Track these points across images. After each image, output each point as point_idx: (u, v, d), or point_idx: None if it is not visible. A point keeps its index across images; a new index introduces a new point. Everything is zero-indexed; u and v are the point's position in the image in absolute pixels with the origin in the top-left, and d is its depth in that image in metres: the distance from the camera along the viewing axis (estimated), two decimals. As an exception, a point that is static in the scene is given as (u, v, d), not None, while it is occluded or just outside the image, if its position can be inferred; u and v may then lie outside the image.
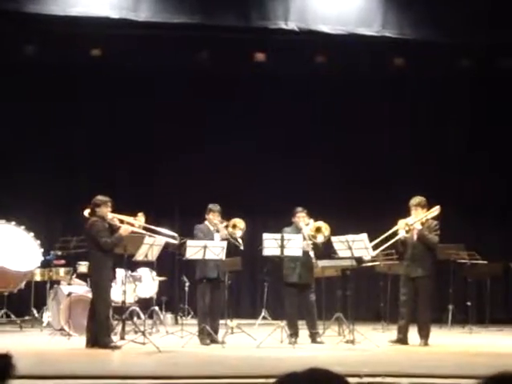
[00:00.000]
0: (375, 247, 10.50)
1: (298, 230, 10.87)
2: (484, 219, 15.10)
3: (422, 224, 10.58)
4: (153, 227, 10.61)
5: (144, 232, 10.51)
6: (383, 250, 11.17)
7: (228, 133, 14.97)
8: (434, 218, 10.68)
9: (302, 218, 10.97)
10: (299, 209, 11.04)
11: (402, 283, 10.81)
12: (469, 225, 14.86)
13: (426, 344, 10.45)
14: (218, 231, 10.88)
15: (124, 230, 9.99)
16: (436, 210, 10.66)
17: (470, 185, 15.17)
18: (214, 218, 10.92)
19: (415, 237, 10.58)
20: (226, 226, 10.93)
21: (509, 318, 14.33)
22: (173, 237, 10.84)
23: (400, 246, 10.79)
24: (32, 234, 12.55)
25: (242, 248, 11.05)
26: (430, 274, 10.56)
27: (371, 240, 10.39)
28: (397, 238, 10.55)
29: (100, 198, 10.09)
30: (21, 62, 13.86)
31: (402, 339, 10.59)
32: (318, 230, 10.81)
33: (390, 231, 10.53)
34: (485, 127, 15.23)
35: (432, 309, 10.99)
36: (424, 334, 10.53)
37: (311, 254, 10.77)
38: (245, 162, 15.03)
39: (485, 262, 13.13)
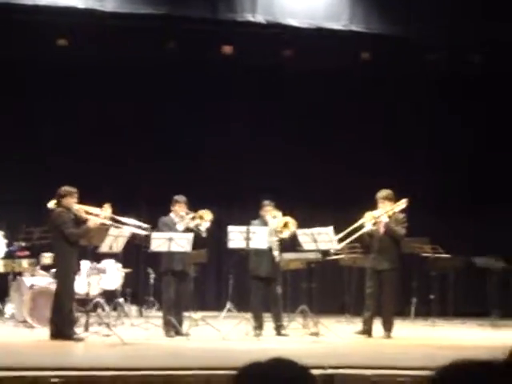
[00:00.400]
0: (342, 240, 10.56)
1: (265, 223, 10.88)
2: (448, 213, 15.21)
3: (390, 217, 10.65)
4: (120, 218, 10.54)
5: (112, 223, 10.44)
6: (349, 243, 11.24)
7: (195, 123, 14.93)
8: (401, 211, 10.75)
9: (269, 211, 10.98)
10: (266, 202, 11.04)
11: (369, 276, 10.89)
12: (433, 219, 14.96)
13: (389, 336, 10.55)
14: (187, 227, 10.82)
15: (92, 222, 9.92)
16: (403, 203, 10.73)
17: (435, 179, 15.30)
18: (180, 210, 10.87)
19: (382, 230, 10.64)
20: (193, 218, 10.90)
21: (471, 311, 14.48)
22: (142, 227, 10.78)
23: (367, 238, 10.84)
24: (-5, 224, 12.43)
25: (204, 235, 10.95)
26: (395, 266, 10.65)
27: (338, 233, 10.45)
28: (363, 230, 10.60)
29: (66, 188, 10.01)
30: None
31: (367, 331, 10.67)
32: (286, 225, 10.83)
33: (357, 224, 10.60)
34: (450, 121, 15.37)
35: (396, 302, 11.08)
36: (387, 327, 10.62)
37: (275, 252, 10.77)
38: (213, 153, 15.01)
39: (448, 255, 13.25)
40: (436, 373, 2.00)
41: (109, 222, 10.36)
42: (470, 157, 15.45)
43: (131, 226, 10.78)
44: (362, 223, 10.58)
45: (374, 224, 10.56)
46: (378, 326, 10.74)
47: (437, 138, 15.39)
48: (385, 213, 10.61)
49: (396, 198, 10.74)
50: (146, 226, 10.77)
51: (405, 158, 15.39)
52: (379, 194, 10.73)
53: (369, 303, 10.80)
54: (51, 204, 10.24)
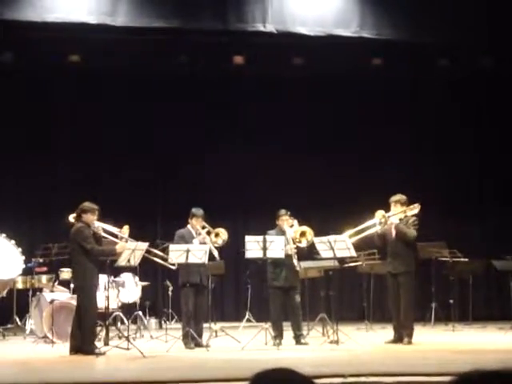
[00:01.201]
0: (350, 237, 10.51)
1: (282, 233, 10.87)
2: (465, 217, 15.17)
3: (401, 219, 10.64)
4: (135, 242, 10.55)
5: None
6: (365, 250, 11.24)
7: (209, 135, 15.00)
8: (413, 215, 10.73)
9: (285, 220, 10.98)
10: (283, 211, 11.04)
11: (388, 282, 10.85)
12: (450, 223, 14.92)
13: (409, 342, 10.49)
14: (203, 242, 10.84)
15: (121, 247, 10.01)
16: (416, 208, 10.71)
17: (451, 182, 15.27)
18: (196, 223, 10.90)
19: (394, 232, 10.63)
20: (209, 233, 10.92)
21: (491, 315, 14.41)
22: (171, 263, 10.84)
23: (376, 239, 10.83)
24: (13, 241, 12.49)
25: (216, 256, 11.06)
26: (411, 270, 10.60)
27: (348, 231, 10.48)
28: (372, 230, 10.58)
29: (88, 204, 10.06)
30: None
31: (399, 338, 10.61)
32: (303, 234, 10.81)
33: (367, 223, 10.57)
34: (463, 126, 15.35)
35: (415, 307, 11.03)
36: (407, 333, 10.56)
37: (295, 261, 10.77)
38: (227, 163, 15.05)
39: (466, 259, 13.19)
40: (455, 380, 2.00)
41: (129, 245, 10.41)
42: (483, 158, 15.40)
43: (150, 254, 10.84)
44: (373, 222, 10.56)
45: (384, 223, 10.51)
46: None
47: (448, 140, 15.34)
48: (396, 213, 10.59)
49: (409, 203, 10.74)
50: (166, 257, 10.81)
51: (418, 161, 15.35)
52: (392, 198, 10.75)
53: (392, 310, 10.76)
54: (71, 218, 10.30)
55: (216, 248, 10.95)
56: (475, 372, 1.95)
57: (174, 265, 10.77)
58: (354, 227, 10.65)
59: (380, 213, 10.56)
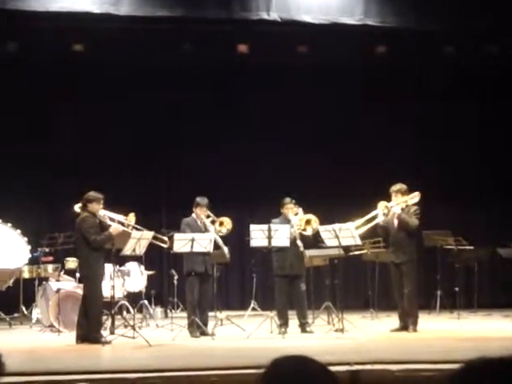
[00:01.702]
0: (358, 228, 10.55)
1: (287, 221, 10.88)
2: (470, 205, 15.17)
3: (402, 209, 10.68)
4: (142, 229, 10.59)
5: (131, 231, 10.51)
6: (370, 238, 11.27)
7: (212, 124, 15.00)
8: (414, 204, 10.77)
9: (290, 208, 10.98)
10: (287, 200, 11.04)
11: (392, 271, 10.90)
12: (455, 211, 14.93)
13: (414, 330, 10.51)
14: (206, 229, 10.86)
15: (114, 229, 10.00)
16: (416, 196, 10.75)
17: (456, 170, 15.25)
18: (201, 213, 10.92)
19: (396, 222, 10.66)
20: (213, 222, 10.94)
21: (496, 303, 14.42)
22: (163, 241, 10.87)
23: (379, 230, 10.88)
24: (19, 231, 12.52)
25: (227, 256, 11.16)
26: (413, 258, 10.66)
27: (352, 220, 10.50)
28: (376, 221, 10.61)
29: (93, 194, 10.08)
30: (3, 58, 13.80)
31: (404, 327, 10.65)
32: (308, 222, 10.83)
33: (371, 214, 10.60)
34: (468, 112, 15.32)
35: (420, 295, 11.05)
36: (412, 321, 10.59)
37: (299, 242, 10.77)
38: (231, 153, 15.06)
39: (471, 247, 13.19)
40: (457, 371, 2.00)
41: (131, 231, 10.42)
42: (489, 147, 15.37)
43: (154, 239, 10.86)
44: (376, 213, 10.60)
45: (386, 214, 10.55)
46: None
47: (454, 128, 15.31)
48: (397, 203, 10.63)
49: (410, 192, 10.76)
50: (166, 239, 10.86)
51: (422, 149, 15.32)
52: (393, 188, 10.77)
53: (397, 298, 10.80)
54: (77, 207, 10.33)
55: (220, 237, 10.98)
56: (481, 359, 1.96)
57: (165, 243, 10.80)
58: (357, 217, 10.67)
59: (383, 204, 10.58)
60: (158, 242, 10.95)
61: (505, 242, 13.08)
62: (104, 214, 10.16)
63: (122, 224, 10.18)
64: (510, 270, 13.80)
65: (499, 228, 14.80)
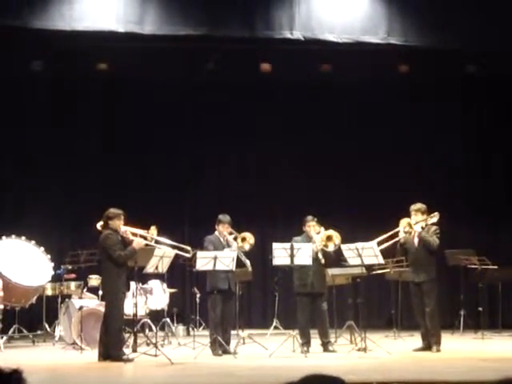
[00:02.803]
0: (379, 245, 10.53)
1: (309, 239, 10.87)
2: (494, 224, 15.07)
3: (422, 229, 10.67)
4: (166, 240, 10.63)
5: (156, 245, 10.55)
6: (391, 257, 11.25)
7: (236, 143, 15.04)
8: (433, 224, 10.75)
9: (312, 226, 10.97)
10: (309, 217, 11.04)
11: (412, 291, 10.88)
12: (479, 230, 14.82)
13: (438, 350, 10.45)
14: (228, 245, 10.89)
15: (137, 243, 10.01)
16: (435, 216, 10.74)
17: (480, 189, 15.16)
18: (223, 230, 10.94)
19: (416, 241, 10.65)
20: (235, 238, 10.95)
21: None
22: (186, 250, 10.85)
23: (398, 249, 10.88)
24: (42, 248, 12.59)
25: (249, 270, 11.13)
26: (433, 278, 10.65)
27: (374, 239, 10.48)
28: (397, 238, 10.60)
29: (113, 210, 10.13)
30: (28, 77, 13.96)
31: (428, 346, 10.60)
32: (329, 238, 10.81)
33: (393, 231, 10.58)
34: (491, 131, 15.25)
35: (443, 314, 11.00)
36: (435, 340, 10.53)
37: (320, 256, 10.74)
38: (254, 171, 15.09)
39: (495, 267, 13.10)
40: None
41: (154, 244, 10.45)
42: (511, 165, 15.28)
43: (175, 249, 10.86)
44: (397, 231, 10.59)
45: (409, 232, 10.54)
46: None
47: (478, 146, 15.24)
48: (419, 222, 10.61)
49: (430, 211, 10.76)
50: (188, 248, 10.84)
51: (445, 168, 15.26)
52: (413, 207, 10.78)
53: (418, 319, 10.75)
54: (98, 226, 10.37)
55: (244, 253, 10.97)
56: (507, 380, 1.94)
57: (188, 252, 10.79)
58: (379, 235, 10.66)
59: (405, 221, 10.57)
60: (181, 253, 10.92)
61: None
62: (126, 229, 10.19)
63: (145, 238, 10.20)
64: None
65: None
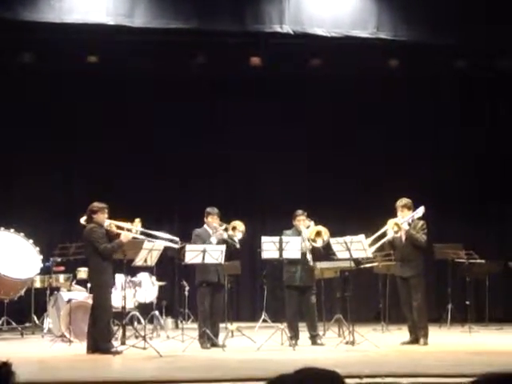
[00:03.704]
0: (370, 246, 10.60)
1: (299, 233, 10.90)
2: (482, 218, 15.14)
3: (409, 224, 10.71)
4: (151, 232, 10.64)
5: (143, 237, 10.54)
6: (380, 250, 11.30)
7: (226, 135, 15.03)
8: (419, 219, 10.79)
9: (302, 220, 11.00)
10: (299, 212, 11.07)
11: (399, 285, 10.95)
12: (466, 224, 14.89)
13: (425, 343, 10.52)
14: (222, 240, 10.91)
15: (124, 236, 10.02)
16: (421, 211, 10.77)
17: (468, 184, 15.22)
18: (212, 221, 10.97)
19: (404, 237, 10.69)
20: (226, 229, 10.98)
21: (508, 317, 14.37)
22: (173, 241, 10.86)
23: (387, 246, 10.94)
24: (31, 240, 12.58)
25: (238, 246, 11.06)
26: (420, 272, 10.72)
27: (363, 233, 10.54)
28: (386, 238, 10.64)
29: (97, 204, 10.13)
30: (17, 69, 13.91)
31: (415, 339, 10.67)
32: (318, 234, 10.84)
33: (380, 231, 10.63)
34: (480, 127, 15.31)
35: (431, 308, 11.05)
36: (422, 334, 10.60)
37: (308, 256, 10.80)
38: (243, 164, 15.09)
39: (483, 260, 13.17)
40: (474, 381, 2.01)
41: (140, 237, 10.46)
42: (501, 160, 15.33)
43: (162, 240, 10.86)
44: (385, 230, 10.63)
45: (397, 232, 10.60)
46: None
47: (466, 141, 15.28)
48: (405, 220, 10.67)
49: (415, 206, 10.80)
50: (176, 239, 10.86)
51: (434, 163, 15.31)
52: (399, 203, 10.82)
53: (406, 312, 10.81)
54: (82, 220, 10.37)
55: (234, 238, 10.94)
56: (493, 374, 1.97)
57: (176, 243, 10.80)
58: (368, 230, 10.71)
59: (392, 222, 10.62)
60: (170, 244, 10.93)
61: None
62: (110, 223, 10.19)
63: (130, 231, 10.20)
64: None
65: (511, 242, 14.76)
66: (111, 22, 12.00)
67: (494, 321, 13.81)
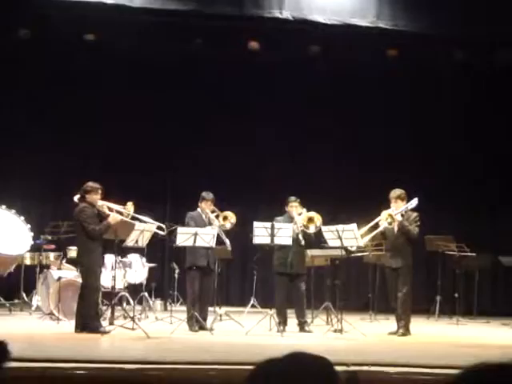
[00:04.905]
0: (363, 236, 10.61)
1: (291, 219, 10.90)
2: (474, 211, 15.16)
3: (402, 215, 10.71)
4: (141, 217, 10.62)
5: (132, 221, 10.52)
6: (372, 241, 11.31)
7: (220, 120, 14.99)
8: (413, 210, 10.78)
9: (294, 207, 10.99)
10: (292, 198, 11.06)
11: (387, 275, 10.97)
12: (458, 217, 14.92)
13: (403, 334, 10.53)
14: (210, 223, 10.90)
15: (113, 218, 10.02)
16: (414, 202, 10.76)
17: (461, 177, 15.22)
18: (206, 207, 10.95)
19: (396, 228, 10.68)
20: (217, 216, 10.97)
21: (496, 311, 14.42)
22: (160, 228, 10.87)
23: (379, 236, 10.94)
24: (23, 217, 12.55)
25: (229, 249, 11.17)
26: (410, 263, 10.71)
27: (355, 222, 10.55)
28: (379, 229, 10.64)
29: (91, 184, 10.11)
30: (15, 46, 13.83)
31: None
32: (311, 220, 10.83)
33: (373, 222, 10.63)
34: (479, 120, 15.28)
35: (419, 299, 11.07)
36: (402, 324, 10.61)
37: (300, 237, 10.78)
38: (238, 149, 15.05)
39: (473, 254, 13.19)
40: (459, 375, 2.00)
41: (130, 221, 10.44)
42: (496, 153, 15.33)
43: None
44: (378, 221, 10.63)
45: (390, 223, 10.59)
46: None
47: (463, 134, 15.26)
48: (399, 212, 10.65)
49: (409, 197, 10.79)
50: (163, 226, 10.88)
51: (429, 156, 15.30)
52: (392, 194, 10.79)
53: (394, 303, 10.83)
54: (75, 199, 10.35)
55: (224, 232, 11.00)
56: (482, 365, 1.96)
57: (163, 230, 10.82)
58: (361, 218, 10.71)
59: (386, 213, 10.61)
60: (156, 230, 10.94)
61: (507, 250, 13.09)
62: (103, 203, 10.17)
63: (121, 213, 10.19)
64: (511, 279, 13.80)
65: (502, 236, 14.79)
66: (110, 1, 11.94)
67: (482, 314, 13.86)
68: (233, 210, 11.26)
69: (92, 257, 9.96)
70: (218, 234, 10.66)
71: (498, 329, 12.41)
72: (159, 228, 10.88)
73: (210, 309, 11.36)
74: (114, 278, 10.44)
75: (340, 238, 10.37)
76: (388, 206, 10.78)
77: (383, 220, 10.59)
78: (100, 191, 10.11)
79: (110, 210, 10.19)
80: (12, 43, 13.71)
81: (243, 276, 15.16)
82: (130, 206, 10.27)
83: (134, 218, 10.49)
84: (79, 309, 9.98)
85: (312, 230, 10.81)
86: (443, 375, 6.72)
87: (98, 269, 10.09)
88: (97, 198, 10.09)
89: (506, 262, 13.25)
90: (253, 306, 13.28)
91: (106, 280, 10.95)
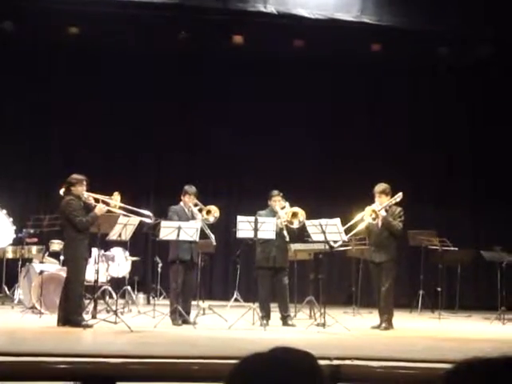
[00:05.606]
0: (347, 232, 10.61)
1: (274, 214, 10.89)
2: (457, 206, 15.23)
3: (386, 211, 10.71)
4: (128, 206, 10.59)
5: (119, 211, 10.49)
6: (355, 235, 11.32)
7: (203, 114, 14.99)
8: (397, 205, 10.79)
9: (277, 201, 10.99)
10: (275, 192, 11.06)
11: (371, 270, 10.98)
12: (441, 211, 14.99)
13: (386, 328, 10.55)
14: (193, 217, 10.89)
15: (99, 209, 9.97)
16: (399, 197, 10.77)
17: (445, 172, 15.29)
18: (189, 201, 10.93)
19: (380, 223, 10.69)
20: (200, 210, 10.95)
21: (478, 305, 14.49)
22: (148, 216, 10.83)
23: (363, 231, 10.95)
24: (5, 211, 12.49)
25: (214, 243, 11.17)
26: (394, 258, 10.71)
27: (339, 216, 10.55)
28: (363, 224, 10.64)
29: (75, 176, 10.05)
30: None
31: None
32: (295, 215, 10.83)
33: (357, 217, 10.64)
34: (460, 113, 15.35)
35: (402, 294, 11.09)
36: (385, 318, 10.63)
37: (285, 233, 10.78)
38: (221, 143, 15.05)
39: (456, 249, 13.25)
40: (452, 370, 1.99)
41: (116, 211, 10.41)
42: (479, 149, 15.40)
43: (138, 215, 10.83)
44: (361, 217, 10.63)
45: (374, 219, 10.59)
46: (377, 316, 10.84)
47: (445, 130, 15.33)
48: (383, 207, 10.66)
49: (393, 192, 10.80)
50: (150, 214, 10.84)
51: (412, 150, 15.36)
52: (376, 188, 10.77)
53: (378, 297, 10.85)
54: (61, 191, 10.30)
55: (207, 225, 10.99)
56: (475, 359, 1.95)
57: (149, 217, 10.80)
58: (344, 213, 10.72)
59: (369, 209, 10.60)
60: (143, 219, 10.91)
61: (489, 245, 13.15)
62: (88, 195, 10.12)
63: (107, 204, 10.14)
64: (493, 273, 13.86)
65: (484, 231, 14.88)
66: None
67: (464, 308, 13.93)
68: (216, 203, 11.25)
69: (78, 250, 9.90)
70: (201, 228, 10.65)
71: (480, 322, 12.46)
72: (146, 216, 10.83)
73: (193, 303, 11.34)
74: (97, 271, 10.41)
75: (323, 232, 10.38)
76: (370, 200, 10.78)
77: (367, 216, 10.60)
78: (85, 182, 10.06)
79: (96, 200, 10.13)
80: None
81: (226, 270, 15.16)
82: (117, 195, 10.22)
83: (121, 208, 10.44)
84: (62, 303, 9.94)
85: (296, 225, 10.81)
86: (425, 369, 6.75)
87: (83, 262, 10.03)
88: (82, 190, 10.04)
89: (488, 257, 13.30)
90: (236, 299, 13.29)
91: (88, 274, 10.89)
